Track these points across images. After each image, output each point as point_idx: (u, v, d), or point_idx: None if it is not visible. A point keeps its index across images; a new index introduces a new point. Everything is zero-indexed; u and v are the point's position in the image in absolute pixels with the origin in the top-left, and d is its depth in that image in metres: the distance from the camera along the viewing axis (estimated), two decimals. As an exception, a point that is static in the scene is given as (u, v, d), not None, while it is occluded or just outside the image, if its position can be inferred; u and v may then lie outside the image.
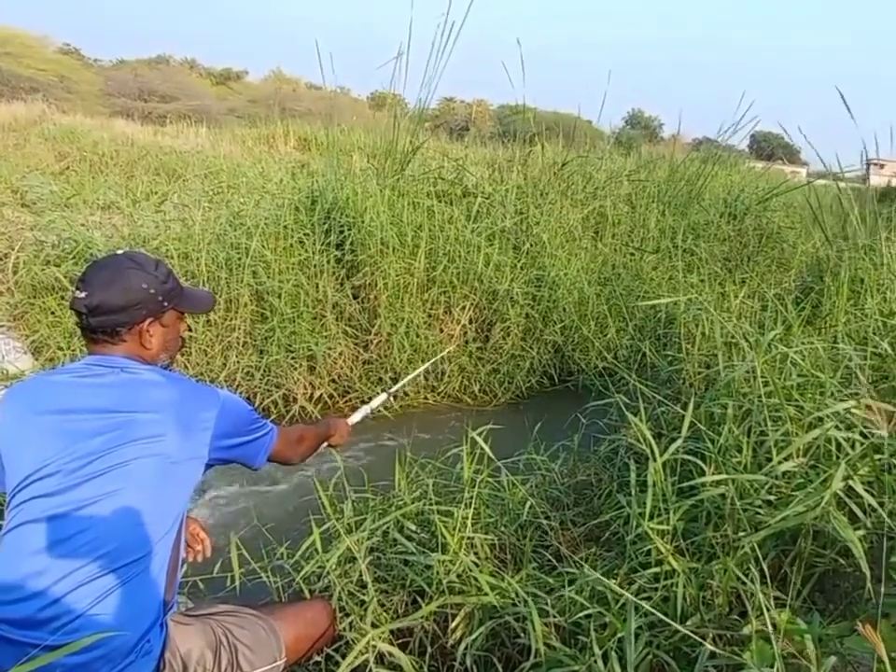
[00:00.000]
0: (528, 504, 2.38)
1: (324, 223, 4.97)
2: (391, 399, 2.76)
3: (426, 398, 4.73)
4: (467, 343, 5.03)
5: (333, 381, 4.58)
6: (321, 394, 4.41)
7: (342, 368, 4.57)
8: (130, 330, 1.51)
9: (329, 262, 4.84)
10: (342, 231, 4.95)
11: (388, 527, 2.36)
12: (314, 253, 4.80)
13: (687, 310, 3.80)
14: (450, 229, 5.21)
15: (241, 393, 4.24)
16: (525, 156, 7.56)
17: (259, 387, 4.25)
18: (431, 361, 3.29)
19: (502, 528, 2.38)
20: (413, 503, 2.47)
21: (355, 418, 2.32)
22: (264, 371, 4.28)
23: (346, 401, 4.51)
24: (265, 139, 16.31)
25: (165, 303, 1.57)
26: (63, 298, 4.25)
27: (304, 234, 4.89)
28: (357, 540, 2.07)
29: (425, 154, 6.95)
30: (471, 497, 2.11)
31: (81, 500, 1.31)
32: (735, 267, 7.93)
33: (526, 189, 6.32)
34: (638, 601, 1.42)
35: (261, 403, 4.21)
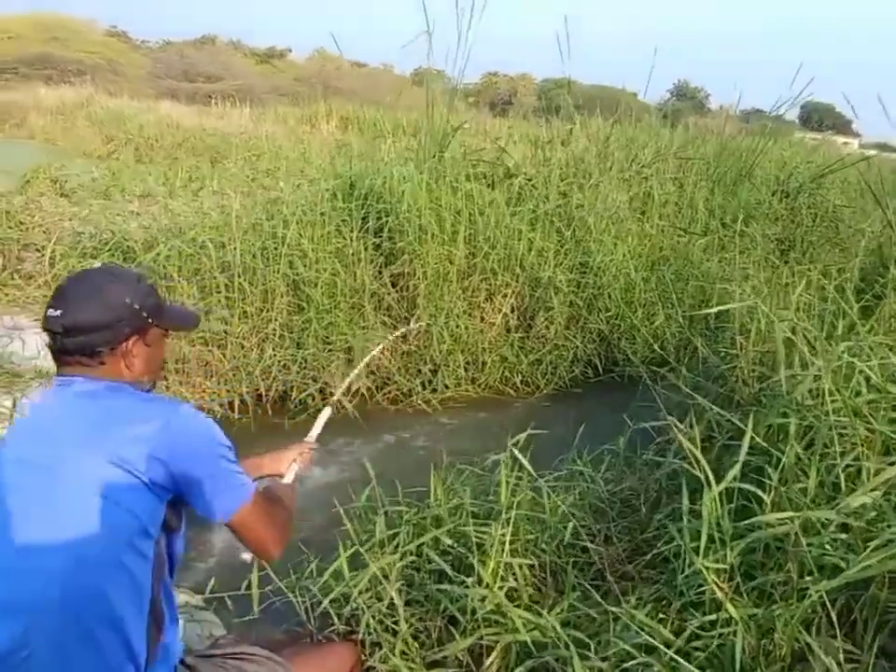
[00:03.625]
0: (570, 525, 2.23)
1: (361, 209, 4.86)
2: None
3: (466, 389, 4.60)
4: (508, 331, 4.87)
5: (372, 373, 4.48)
6: (358, 387, 4.31)
7: (380, 359, 4.46)
8: (112, 351, 1.33)
9: (366, 250, 4.72)
10: (379, 218, 4.83)
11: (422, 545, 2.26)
12: (351, 241, 4.68)
13: (741, 302, 3.57)
14: (490, 213, 5.04)
15: (276, 387, 4.18)
16: (568, 133, 7.31)
17: (296, 381, 4.17)
18: (374, 352, 2.91)
19: (542, 546, 2.25)
20: (448, 517, 2.36)
21: (290, 477, 1.80)
22: (300, 363, 4.20)
23: (384, 394, 4.40)
24: (307, 119, 16.26)
25: (150, 319, 1.39)
26: (99, 291, 4.22)
27: (342, 221, 4.78)
28: (389, 563, 1.96)
29: (469, 130, 6.74)
30: (509, 519, 1.98)
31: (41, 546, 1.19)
32: (789, 248, 7.59)
33: (569, 170, 6.10)
34: (688, 666, 1.27)
35: (298, 397, 4.13)
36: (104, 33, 35.57)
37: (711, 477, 1.68)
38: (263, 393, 4.15)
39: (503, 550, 1.95)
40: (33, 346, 3.87)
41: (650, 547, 2.46)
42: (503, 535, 1.94)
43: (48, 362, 3.76)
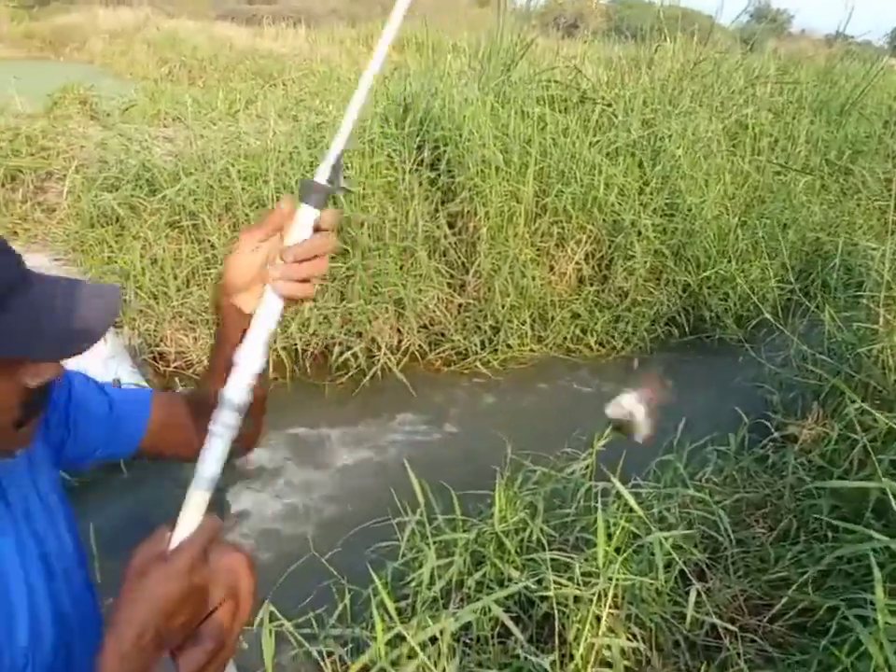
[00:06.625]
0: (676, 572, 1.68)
1: (416, 137, 4.22)
2: None
3: (531, 349, 4.02)
4: (581, 284, 4.25)
5: (425, 327, 3.93)
6: (408, 345, 3.77)
7: (434, 313, 3.90)
8: None
9: (420, 185, 4.12)
10: (436, 147, 4.19)
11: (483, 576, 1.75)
12: (403, 174, 4.07)
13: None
14: (565, 143, 4.35)
15: (316, 343, 3.67)
16: (652, 54, 6.47)
17: (338, 336, 3.64)
18: None
19: (638, 591, 1.70)
20: (515, 542, 1.84)
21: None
22: (344, 316, 3.66)
23: (438, 354, 3.85)
24: (363, 40, 15.38)
25: None
26: (122, 228, 3.73)
27: (393, 151, 4.16)
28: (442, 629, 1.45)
29: (534, 53, 5.97)
30: (607, 587, 1.43)
31: None
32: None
33: (653, 95, 5.31)
34: None
35: (338, 358, 3.61)
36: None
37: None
38: (301, 350, 3.64)
39: (598, 624, 1.41)
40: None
41: (775, 590, 1.92)
42: (599, 609, 1.40)
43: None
